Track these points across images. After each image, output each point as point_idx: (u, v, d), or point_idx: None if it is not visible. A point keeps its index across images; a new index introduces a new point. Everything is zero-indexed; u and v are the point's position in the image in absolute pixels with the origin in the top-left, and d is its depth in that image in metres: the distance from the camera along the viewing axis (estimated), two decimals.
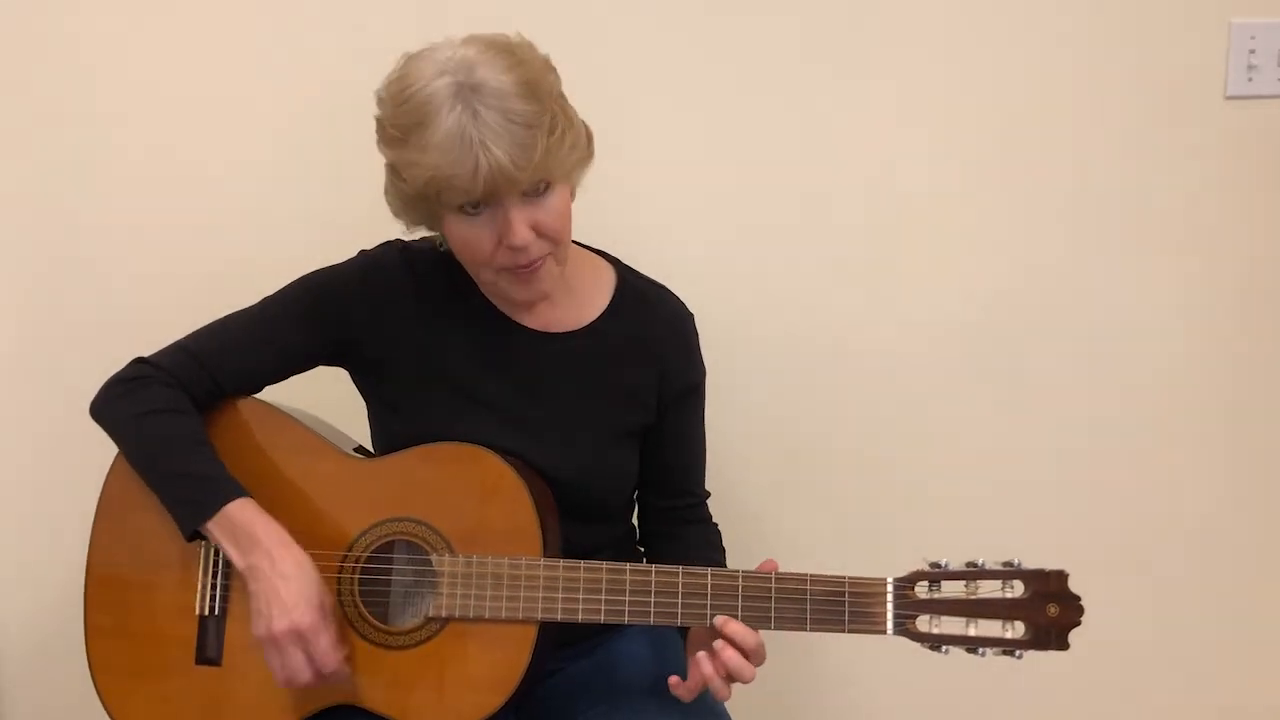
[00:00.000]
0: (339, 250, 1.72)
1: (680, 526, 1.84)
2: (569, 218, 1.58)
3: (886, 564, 1.59)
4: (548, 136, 1.48)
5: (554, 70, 1.57)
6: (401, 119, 1.49)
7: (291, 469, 1.66)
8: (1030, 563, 1.50)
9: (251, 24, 2.10)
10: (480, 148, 1.44)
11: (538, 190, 1.52)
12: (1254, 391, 2.27)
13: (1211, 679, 2.36)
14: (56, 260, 2.17)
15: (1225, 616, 2.33)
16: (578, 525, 1.67)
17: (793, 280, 2.19)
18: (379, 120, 1.55)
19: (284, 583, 1.53)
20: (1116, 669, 2.30)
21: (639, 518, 1.87)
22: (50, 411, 2.15)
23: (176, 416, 1.62)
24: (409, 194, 1.55)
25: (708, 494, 1.88)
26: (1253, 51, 2.15)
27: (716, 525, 1.88)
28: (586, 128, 1.63)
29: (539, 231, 1.53)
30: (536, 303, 1.65)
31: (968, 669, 1.59)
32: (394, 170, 1.56)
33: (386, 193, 1.61)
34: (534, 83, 1.49)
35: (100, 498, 1.68)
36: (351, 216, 1.95)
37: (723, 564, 1.82)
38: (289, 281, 1.71)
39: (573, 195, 1.65)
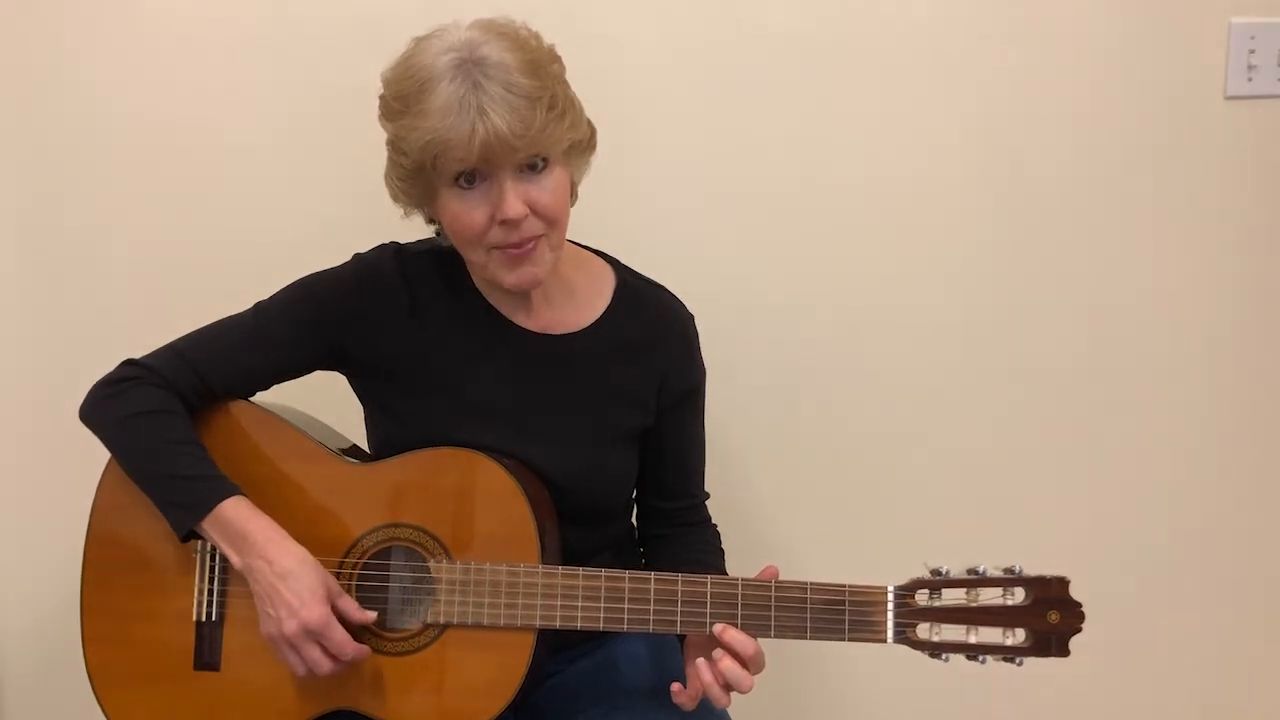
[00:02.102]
0: (335, 252, 1.71)
1: (680, 528, 1.84)
2: (566, 201, 1.57)
3: (887, 564, 1.59)
4: (547, 111, 1.48)
5: (559, 60, 1.57)
6: (403, 90, 1.50)
7: (286, 474, 1.65)
8: (1032, 566, 1.50)
9: (250, 25, 2.09)
10: (478, 114, 1.44)
11: (535, 167, 1.52)
12: (1254, 391, 2.27)
13: (1213, 682, 2.36)
14: (53, 260, 2.16)
15: (1226, 619, 2.33)
16: (576, 528, 1.67)
17: (794, 281, 2.19)
18: (382, 97, 1.55)
19: (284, 581, 1.52)
20: (1117, 672, 2.30)
21: (638, 519, 1.87)
22: (49, 413, 2.14)
23: (166, 418, 1.61)
24: (406, 167, 1.54)
25: (707, 495, 1.87)
26: (1253, 51, 2.14)
27: (716, 526, 1.87)
28: (590, 122, 1.63)
29: (533, 209, 1.52)
30: (528, 289, 1.62)
31: (968, 672, 1.58)
32: (393, 145, 1.55)
33: (386, 176, 1.61)
34: (536, 63, 1.50)
35: (94, 502, 1.68)
36: (346, 219, 1.96)
37: (722, 566, 1.82)
38: (283, 285, 1.71)
39: (575, 193, 1.66)
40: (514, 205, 1.50)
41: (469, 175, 1.51)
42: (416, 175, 1.55)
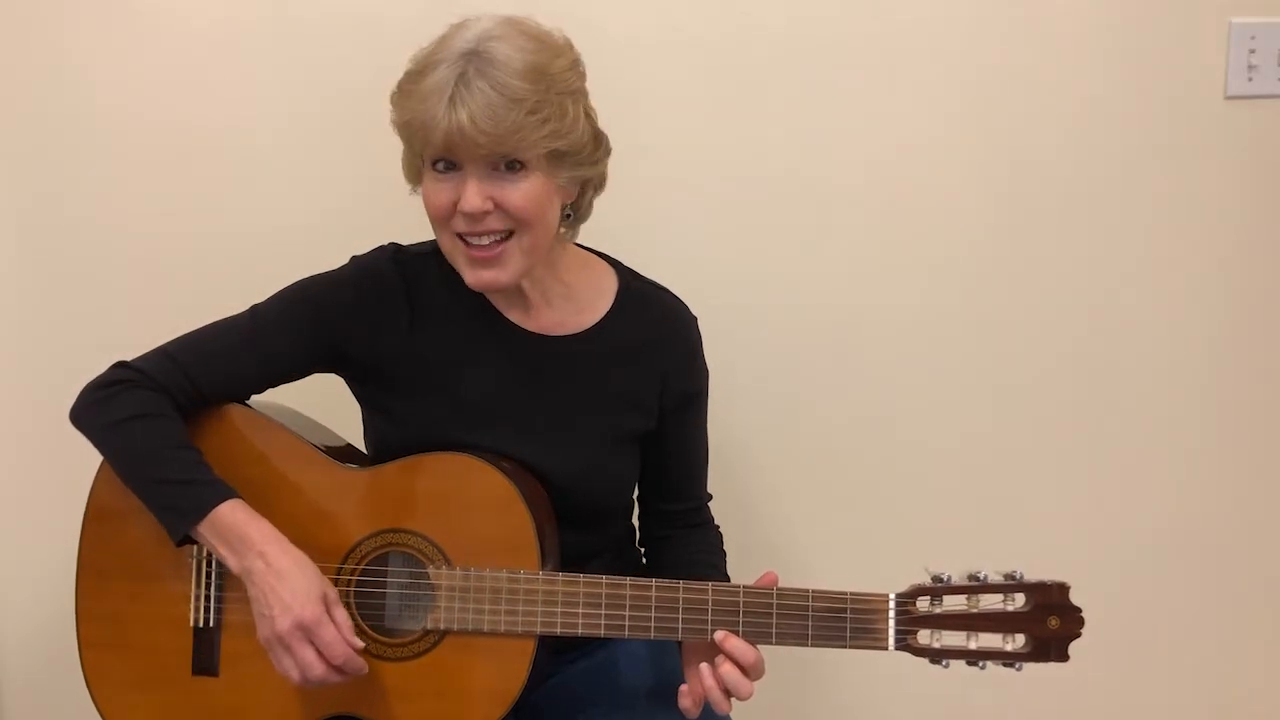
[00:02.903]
0: (336, 253, 1.71)
1: (682, 530, 1.84)
2: (540, 206, 1.55)
3: (887, 564, 1.60)
4: (526, 115, 1.48)
5: (575, 70, 1.58)
6: (411, 70, 1.54)
7: (283, 479, 1.65)
8: (1032, 567, 1.50)
9: (251, 25, 2.09)
10: (450, 105, 1.47)
11: (511, 168, 1.52)
12: (1253, 392, 2.27)
13: (1215, 682, 2.36)
14: (53, 260, 2.16)
15: (1228, 619, 2.33)
16: (576, 530, 1.67)
17: (795, 280, 2.19)
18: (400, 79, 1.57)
19: (281, 580, 1.52)
20: (1118, 673, 2.30)
21: (640, 519, 1.87)
22: (49, 413, 2.11)
23: (158, 421, 1.60)
24: (404, 143, 1.59)
25: (710, 496, 1.87)
26: (1253, 51, 2.14)
27: (718, 528, 1.87)
28: (600, 138, 1.63)
29: (500, 206, 1.53)
30: (487, 291, 1.63)
31: (969, 675, 1.59)
32: (395, 123, 1.58)
33: (402, 156, 1.63)
34: (542, 68, 1.50)
35: (87, 506, 1.67)
36: (347, 220, 1.96)
37: (724, 568, 1.82)
38: (280, 287, 1.70)
39: (584, 205, 1.68)
40: (471, 199, 1.51)
41: (447, 162, 1.53)
42: (410, 156, 1.59)
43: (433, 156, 1.53)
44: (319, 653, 1.52)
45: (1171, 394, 2.26)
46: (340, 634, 1.53)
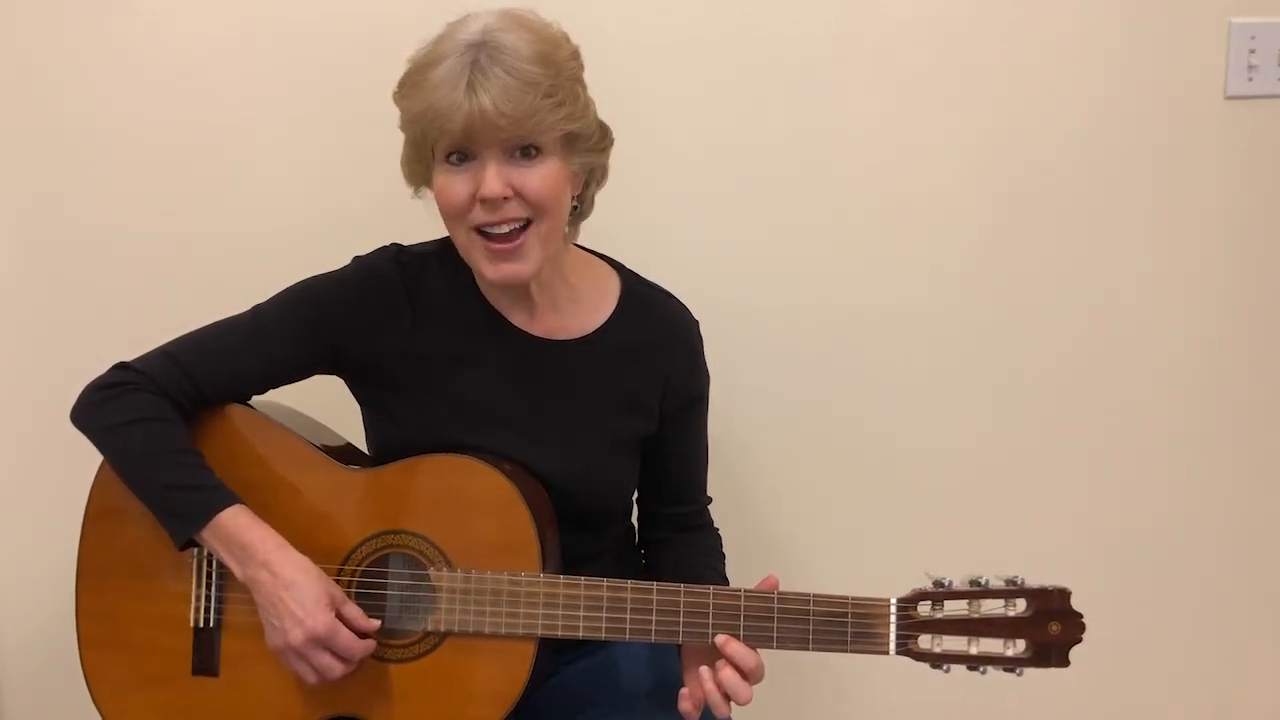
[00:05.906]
0: (337, 253, 1.71)
1: (681, 533, 1.84)
2: (557, 192, 1.56)
3: (888, 565, 1.61)
4: (543, 98, 1.49)
5: (577, 59, 1.59)
6: (415, 65, 1.54)
7: (283, 480, 1.65)
8: (1033, 569, 1.50)
9: (251, 24, 2.08)
10: (468, 91, 1.47)
11: (528, 154, 1.53)
12: (1253, 392, 2.27)
13: (1216, 684, 2.36)
14: (53, 260, 2.15)
15: (1229, 621, 2.33)
16: (576, 532, 1.67)
17: (795, 281, 2.19)
18: (402, 77, 1.57)
19: (287, 592, 1.52)
20: (1117, 674, 2.30)
21: (640, 521, 1.87)
22: (49, 413, 2.11)
23: (159, 425, 1.60)
24: (410, 142, 1.58)
25: (709, 499, 1.87)
26: (1253, 51, 2.14)
27: (718, 531, 1.87)
28: (605, 127, 1.64)
29: (519, 192, 1.53)
30: (508, 285, 1.62)
31: (969, 678, 1.59)
32: (401, 121, 1.58)
33: (401, 158, 1.62)
34: (548, 55, 1.51)
35: (87, 505, 1.67)
36: (348, 220, 1.96)
37: (723, 570, 1.82)
38: (281, 288, 1.70)
39: (588, 200, 1.68)
40: (492, 184, 1.51)
41: (460, 154, 1.53)
42: (418, 151, 1.58)
43: (447, 148, 1.53)
44: (335, 656, 1.54)
45: (1171, 394, 2.26)
46: (354, 638, 1.54)
